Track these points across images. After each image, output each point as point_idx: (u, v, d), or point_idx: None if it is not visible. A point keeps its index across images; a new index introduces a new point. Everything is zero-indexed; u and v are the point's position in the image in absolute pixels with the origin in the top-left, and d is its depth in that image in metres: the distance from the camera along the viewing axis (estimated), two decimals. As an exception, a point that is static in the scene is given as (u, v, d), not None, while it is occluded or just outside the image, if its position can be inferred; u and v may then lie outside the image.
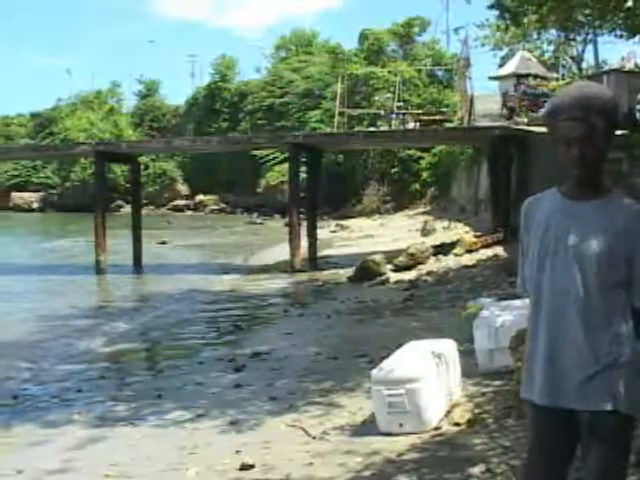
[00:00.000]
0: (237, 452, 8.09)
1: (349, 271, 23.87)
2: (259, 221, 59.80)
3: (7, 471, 8.44)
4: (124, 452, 8.70)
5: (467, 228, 31.91)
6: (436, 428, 8.00)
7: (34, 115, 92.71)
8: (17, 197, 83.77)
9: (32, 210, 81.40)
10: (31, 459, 8.81)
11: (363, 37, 69.27)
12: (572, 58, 42.76)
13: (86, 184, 67.56)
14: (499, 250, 23.46)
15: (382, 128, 43.64)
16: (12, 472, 8.39)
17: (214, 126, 76.50)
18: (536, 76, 36.79)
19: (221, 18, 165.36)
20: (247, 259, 32.44)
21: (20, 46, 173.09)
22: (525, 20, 17.74)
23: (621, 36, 17.11)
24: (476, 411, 8.30)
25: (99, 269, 28.90)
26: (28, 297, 23.61)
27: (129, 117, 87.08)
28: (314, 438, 8.32)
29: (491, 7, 17.15)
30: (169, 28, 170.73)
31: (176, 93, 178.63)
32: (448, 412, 8.30)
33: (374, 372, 8.35)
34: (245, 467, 7.56)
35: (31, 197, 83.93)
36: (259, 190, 68.43)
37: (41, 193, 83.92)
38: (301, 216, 29.88)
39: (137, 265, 30.56)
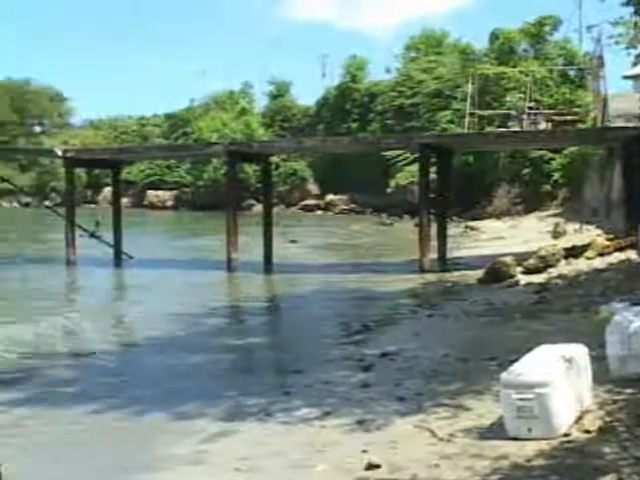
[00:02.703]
0: (363, 451, 8.14)
1: (479, 273, 23.63)
2: (388, 221, 59.67)
3: (140, 459, 8.71)
4: (253, 447, 8.86)
5: (599, 231, 31.20)
6: (565, 435, 7.88)
7: (169, 116, 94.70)
8: (152, 195, 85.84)
9: (166, 208, 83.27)
10: (163, 449, 9.06)
11: (494, 37, 68.41)
12: None
13: (218, 183, 68.63)
14: (632, 254, 22.88)
15: (513, 129, 43.08)
16: (144, 460, 8.67)
17: (344, 126, 76.73)
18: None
19: (350, 19, 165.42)
20: (376, 259, 32.44)
21: (155, 48, 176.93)
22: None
23: None
24: (607, 419, 8.15)
25: (230, 266, 29.34)
26: (162, 293, 24.18)
27: (260, 117, 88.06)
28: (441, 440, 8.30)
29: (626, 4, 16.78)
30: (299, 29, 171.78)
31: (306, 93, 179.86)
32: (578, 419, 8.17)
33: (503, 375, 8.28)
34: (371, 466, 7.59)
35: (165, 195, 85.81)
36: (389, 190, 68.24)
37: (174, 192, 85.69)
38: (431, 217, 29.72)
39: (268, 263, 30.89)
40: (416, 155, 36.29)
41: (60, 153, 34.54)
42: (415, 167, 42.05)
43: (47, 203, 58.26)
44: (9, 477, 6.15)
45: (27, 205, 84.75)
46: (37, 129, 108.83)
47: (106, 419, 10.70)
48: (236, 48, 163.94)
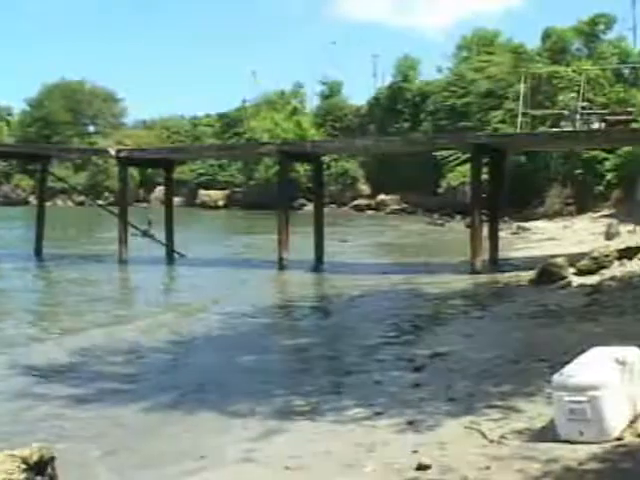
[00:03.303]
0: (414, 452, 8.13)
1: (530, 273, 23.45)
2: (440, 222, 59.48)
3: (191, 456, 8.78)
4: (303, 446, 8.89)
5: (654, 232, 30.87)
6: (618, 439, 7.80)
7: (221, 116, 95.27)
8: (204, 195, 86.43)
9: (217, 207, 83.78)
10: (214, 447, 9.13)
11: (546, 35, 67.96)
12: None
13: (269, 183, 68.94)
14: (688, 256, 22.60)
15: (566, 129, 42.68)
16: (196, 457, 8.73)
17: (395, 126, 76.68)
18: None
19: (402, 18, 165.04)
20: (427, 259, 32.34)
21: (208, 49, 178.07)
22: None
23: None
24: (662, 423, 8.06)
25: (281, 265, 29.46)
26: (213, 292, 24.34)
27: (312, 117, 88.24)
28: (492, 442, 8.26)
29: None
30: (351, 29, 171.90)
31: (358, 93, 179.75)
32: (632, 422, 8.08)
33: (555, 377, 8.21)
34: (422, 467, 7.58)
35: (217, 195, 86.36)
36: (440, 190, 68.06)
37: (226, 191, 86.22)
38: (482, 217, 29.56)
39: (319, 262, 30.96)
40: (468, 155, 36.12)
41: (113, 153, 34.89)
42: (467, 167, 41.81)
43: (100, 202, 58.93)
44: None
45: (81, 204, 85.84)
46: (91, 129, 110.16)
47: (156, 416, 10.82)
48: (288, 48, 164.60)
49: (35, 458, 6.31)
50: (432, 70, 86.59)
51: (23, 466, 6.19)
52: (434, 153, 58.57)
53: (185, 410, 10.95)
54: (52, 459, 6.47)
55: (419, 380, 11.61)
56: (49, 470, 6.39)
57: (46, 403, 11.55)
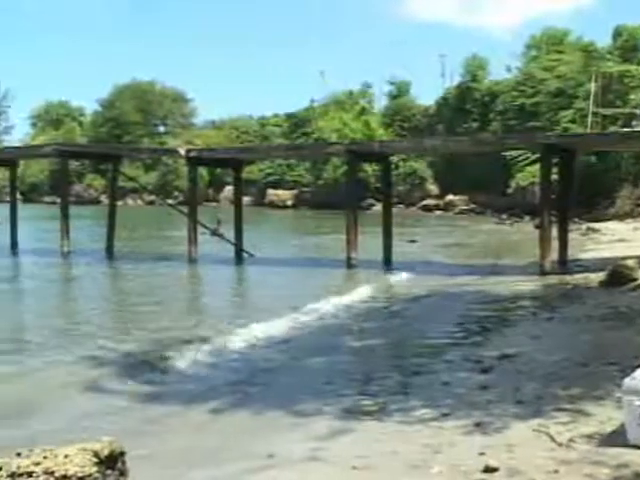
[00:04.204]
0: (481, 454, 8.10)
1: (600, 275, 23.18)
2: (508, 222, 59.04)
3: (259, 454, 8.85)
4: (370, 445, 8.91)
5: None
6: (690, 444, 7.71)
7: (289, 116, 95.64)
8: (272, 194, 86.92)
9: (285, 207, 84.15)
10: (281, 445, 9.19)
11: (617, 33, 67.02)
12: None
13: (337, 182, 69.08)
14: None
15: (637, 128, 42.09)
16: (263, 455, 8.79)
17: (464, 126, 76.29)
18: None
19: (469, 18, 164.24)
20: (496, 260, 32.12)
21: (276, 49, 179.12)
22: None
23: None
24: None
25: (350, 265, 29.51)
26: (283, 290, 24.51)
27: (380, 117, 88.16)
28: (560, 445, 8.21)
29: None
30: (418, 29, 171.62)
31: (426, 93, 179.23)
32: None
33: (626, 381, 8.12)
34: (489, 469, 7.56)
35: (285, 194, 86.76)
36: (509, 191, 67.56)
37: (294, 191, 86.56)
38: (552, 218, 29.28)
39: (387, 262, 30.94)
40: (537, 155, 35.78)
41: (183, 153, 35.23)
42: (536, 167, 41.42)
43: (170, 201, 59.55)
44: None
45: (151, 203, 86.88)
46: (161, 129, 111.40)
47: (223, 415, 10.94)
48: (356, 48, 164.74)
49: (106, 452, 6.42)
50: (500, 70, 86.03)
51: (94, 460, 6.30)
52: (503, 153, 58.16)
53: (252, 409, 11.04)
54: (122, 454, 6.58)
55: (487, 382, 11.56)
56: (119, 464, 6.51)
57: (115, 398, 11.76)
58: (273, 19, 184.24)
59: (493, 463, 7.64)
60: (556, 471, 7.40)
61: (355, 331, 17.70)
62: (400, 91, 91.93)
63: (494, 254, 34.69)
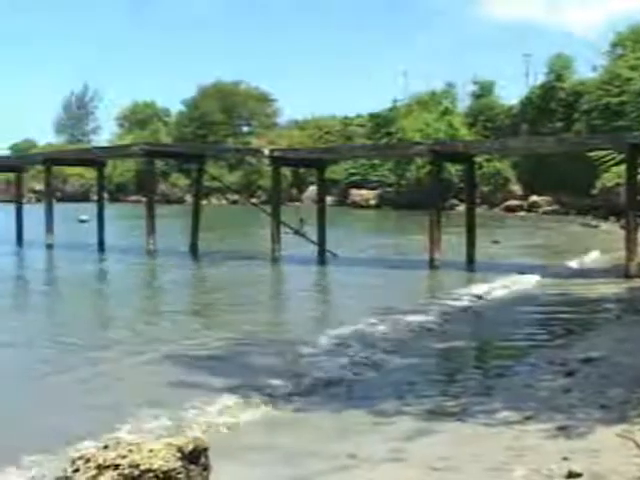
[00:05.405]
0: (564, 459, 8.03)
1: (689, 279, 22.76)
2: (594, 223, 58.15)
3: (340, 455, 8.91)
4: (452, 447, 8.92)
5: None
6: None
7: (372, 116, 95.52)
8: (355, 194, 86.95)
9: (369, 207, 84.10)
10: (362, 445, 9.24)
11: None
12: None
13: (421, 182, 68.81)
14: None
15: None
16: (344, 456, 8.85)
17: (548, 126, 75.28)
18: None
19: (554, 16, 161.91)
20: (581, 262, 31.70)
21: (359, 49, 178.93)
22: None
23: None
24: None
25: (433, 266, 29.38)
26: (366, 290, 24.57)
27: (463, 117, 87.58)
28: (646, 451, 8.11)
29: None
30: (501, 28, 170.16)
31: (509, 93, 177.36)
32: None
33: None
34: (572, 475, 7.50)
35: (368, 194, 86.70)
36: (594, 191, 66.51)
37: (377, 190, 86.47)
38: (638, 220, 28.76)
39: (470, 263, 30.74)
40: (623, 156, 35.19)
41: (267, 153, 35.48)
42: (622, 168, 40.69)
43: (253, 201, 60.02)
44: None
45: (234, 202, 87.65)
46: (245, 129, 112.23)
47: (306, 414, 11.05)
48: (438, 48, 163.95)
49: (190, 447, 6.56)
50: (586, 68, 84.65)
51: (178, 454, 6.45)
52: (589, 153, 57.30)
53: (334, 409, 11.12)
54: (206, 449, 6.71)
55: (570, 385, 11.45)
56: (202, 460, 6.64)
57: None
58: (357, 18, 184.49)
59: (576, 468, 7.58)
60: (641, 478, 7.32)
61: (437, 331, 17.62)
62: (484, 91, 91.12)
63: (578, 255, 34.16)
